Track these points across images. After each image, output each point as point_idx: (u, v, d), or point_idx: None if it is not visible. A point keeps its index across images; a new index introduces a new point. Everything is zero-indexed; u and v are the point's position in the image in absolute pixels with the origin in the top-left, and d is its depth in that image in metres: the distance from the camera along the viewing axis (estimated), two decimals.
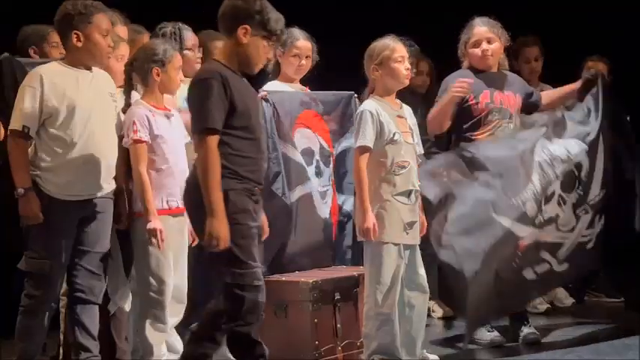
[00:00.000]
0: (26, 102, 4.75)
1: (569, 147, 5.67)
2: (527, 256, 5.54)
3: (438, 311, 6.71)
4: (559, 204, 5.64)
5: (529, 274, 5.55)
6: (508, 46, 6.01)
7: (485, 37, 5.87)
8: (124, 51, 5.29)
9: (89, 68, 4.91)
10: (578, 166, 5.68)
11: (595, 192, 5.71)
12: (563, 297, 6.93)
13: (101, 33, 4.87)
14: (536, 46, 6.90)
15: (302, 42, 6.05)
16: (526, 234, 5.52)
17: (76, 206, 4.85)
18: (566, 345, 5.78)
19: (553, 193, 5.62)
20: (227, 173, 4.47)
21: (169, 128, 5.11)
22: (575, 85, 5.98)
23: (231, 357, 5.56)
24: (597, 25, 7.18)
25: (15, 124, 4.77)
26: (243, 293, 4.45)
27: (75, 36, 4.83)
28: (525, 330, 5.84)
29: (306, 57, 6.07)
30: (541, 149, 5.61)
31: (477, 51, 5.87)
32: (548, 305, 6.75)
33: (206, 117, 4.42)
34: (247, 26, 4.53)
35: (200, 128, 4.44)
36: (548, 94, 6.16)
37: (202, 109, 4.43)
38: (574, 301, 6.96)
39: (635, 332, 5.74)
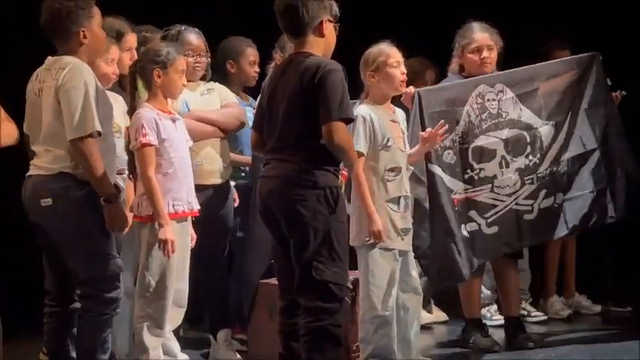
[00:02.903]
0: (92, 102, 4.52)
1: (510, 108, 5.80)
2: (459, 212, 5.69)
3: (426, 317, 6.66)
4: (500, 165, 5.77)
5: (463, 231, 5.68)
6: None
7: (486, 44, 5.91)
8: (114, 54, 5.23)
9: None
10: (533, 133, 5.81)
11: (546, 166, 5.83)
12: (589, 304, 6.96)
13: (100, 25, 4.73)
14: (567, 50, 6.76)
15: None
16: (457, 189, 5.69)
17: None
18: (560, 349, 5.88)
19: (494, 152, 5.76)
20: (332, 169, 4.53)
21: (175, 132, 5.11)
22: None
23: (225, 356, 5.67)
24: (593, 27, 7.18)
25: (91, 127, 4.49)
26: (342, 294, 4.48)
27: (82, 33, 4.63)
28: (521, 336, 5.90)
29: None
30: (475, 97, 5.76)
31: (477, 58, 5.92)
32: (570, 311, 6.81)
33: (346, 107, 4.44)
34: (326, 18, 4.59)
35: (339, 117, 4.41)
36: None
37: (343, 99, 4.42)
38: (600, 308, 6.97)
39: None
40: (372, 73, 5.27)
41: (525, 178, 5.79)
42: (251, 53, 6.17)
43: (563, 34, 7.10)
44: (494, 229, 5.75)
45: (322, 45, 4.61)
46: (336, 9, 4.64)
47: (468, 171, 5.72)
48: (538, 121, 5.84)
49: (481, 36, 5.92)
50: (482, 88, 5.80)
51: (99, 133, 4.53)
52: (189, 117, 5.53)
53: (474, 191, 5.73)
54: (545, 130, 5.83)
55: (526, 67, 5.97)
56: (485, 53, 5.90)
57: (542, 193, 5.82)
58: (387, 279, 5.18)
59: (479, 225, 5.72)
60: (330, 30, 4.63)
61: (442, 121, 5.48)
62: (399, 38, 5.37)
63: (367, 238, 5.13)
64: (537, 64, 6.01)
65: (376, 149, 5.20)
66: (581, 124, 5.89)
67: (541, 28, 7.26)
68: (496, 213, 5.75)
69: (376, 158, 5.19)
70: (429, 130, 5.43)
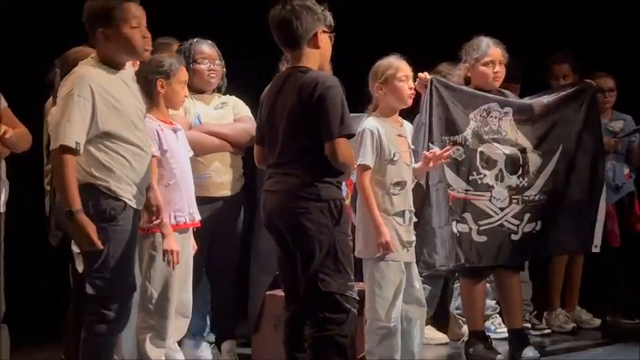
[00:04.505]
0: (70, 115, 4.27)
1: (508, 129, 5.91)
2: (453, 209, 5.75)
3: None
4: (496, 178, 5.86)
5: (453, 227, 5.75)
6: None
7: (499, 59, 5.96)
8: None
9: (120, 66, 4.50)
10: (524, 157, 5.92)
11: (534, 192, 5.93)
12: (589, 318, 6.96)
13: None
14: (565, 63, 6.85)
15: None
16: (457, 186, 5.76)
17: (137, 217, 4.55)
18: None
19: (495, 163, 5.87)
20: (335, 182, 4.55)
21: (176, 142, 5.11)
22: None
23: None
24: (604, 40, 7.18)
25: (61, 139, 4.26)
26: (348, 305, 4.51)
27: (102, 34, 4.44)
28: (525, 350, 5.90)
29: None
30: (482, 110, 5.87)
31: (489, 72, 5.95)
32: (574, 324, 6.82)
33: (347, 123, 4.47)
34: (320, 29, 4.58)
35: (340, 134, 4.45)
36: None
37: (343, 116, 4.45)
38: (600, 321, 6.97)
39: None
40: (380, 85, 5.24)
41: (513, 197, 5.88)
42: None
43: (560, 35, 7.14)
44: (483, 238, 5.82)
45: (318, 56, 4.62)
46: (330, 19, 4.63)
47: (474, 173, 5.81)
48: (529, 146, 5.95)
49: (495, 50, 5.96)
50: (493, 104, 5.88)
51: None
52: (200, 130, 5.55)
53: (474, 194, 5.80)
54: (532, 157, 5.95)
55: (541, 100, 6.06)
56: (497, 68, 5.96)
57: (527, 216, 5.91)
58: (393, 291, 5.17)
59: (470, 229, 5.79)
60: (326, 41, 4.63)
61: (448, 146, 5.56)
62: (396, 42, 5.42)
63: (376, 252, 5.11)
64: (549, 99, 6.08)
65: (383, 163, 5.18)
66: (565, 160, 6.00)
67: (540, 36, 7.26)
68: (489, 224, 5.82)
69: (382, 172, 5.17)
70: (433, 151, 5.44)
